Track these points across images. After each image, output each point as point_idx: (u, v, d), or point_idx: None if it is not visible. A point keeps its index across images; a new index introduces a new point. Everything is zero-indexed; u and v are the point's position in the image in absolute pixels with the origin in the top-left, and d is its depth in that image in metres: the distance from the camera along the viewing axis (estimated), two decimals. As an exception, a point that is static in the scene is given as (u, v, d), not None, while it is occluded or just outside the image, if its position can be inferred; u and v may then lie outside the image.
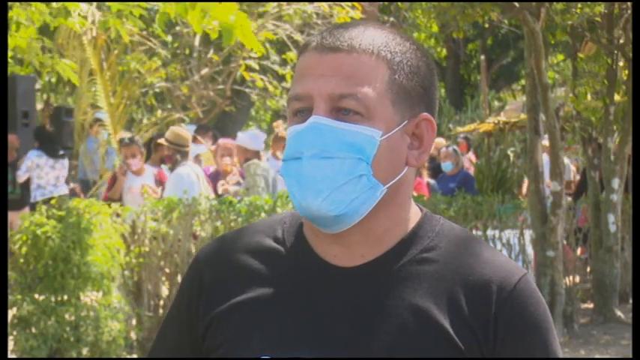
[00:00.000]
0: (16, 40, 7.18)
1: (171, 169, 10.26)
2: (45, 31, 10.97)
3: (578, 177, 15.31)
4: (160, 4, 6.95)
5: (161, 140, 10.42)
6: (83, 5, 7.07)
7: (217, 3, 6.72)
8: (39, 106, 17.33)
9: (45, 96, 22.34)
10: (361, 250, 1.79)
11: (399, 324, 1.74)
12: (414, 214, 1.84)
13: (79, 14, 7.07)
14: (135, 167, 10.38)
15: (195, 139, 13.43)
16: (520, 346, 1.77)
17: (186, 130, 11.34)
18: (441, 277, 1.77)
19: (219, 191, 10.96)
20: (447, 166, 13.51)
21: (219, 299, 1.82)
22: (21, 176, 12.81)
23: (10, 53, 7.70)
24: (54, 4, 6.92)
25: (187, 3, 6.68)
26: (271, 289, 1.80)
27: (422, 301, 1.75)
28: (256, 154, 10.50)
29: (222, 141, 12.58)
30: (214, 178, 11.45)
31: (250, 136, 10.86)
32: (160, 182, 10.49)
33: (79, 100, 14.22)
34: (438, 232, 1.82)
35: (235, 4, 7.01)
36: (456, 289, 1.76)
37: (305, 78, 1.77)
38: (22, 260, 8.03)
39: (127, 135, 11.36)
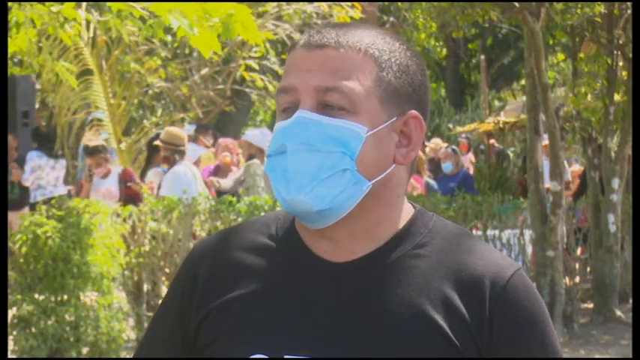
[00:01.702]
0: (16, 42, 7.15)
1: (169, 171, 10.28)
2: (43, 31, 10.96)
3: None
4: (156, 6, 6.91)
5: (157, 142, 10.44)
6: (81, 12, 7.02)
7: (216, 3, 6.68)
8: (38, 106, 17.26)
9: (44, 96, 22.27)
10: (349, 245, 1.79)
11: (393, 318, 1.74)
12: (407, 211, 1.84)
13: (75, 20, 7.02)
14: (100, 175, 10.54)
15: (197, 139, 13.44)
16: (516, 341, 1.76)
17: (181, 130, 11.36)
18: (433, 273, 1.77)
19: (214, 183, 11.00)
20: (447, 167, 13.52)
21: (215, 294, 1.83)
22: (28, 179, 12.77)
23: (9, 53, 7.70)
24: (53, 8, 6.88)
25: (186, 3, 6.66)
26: (265, 285, 1.81)
27: (415, 297, 1.75)
28: (260, 152, 10.51)
29: (222, 140, 12.64)
30: (214, 173, 11.48)
31: (259, 133, 10.95)
32: (123, 182, 10.56)
33: (67, 100, 14.11)
34: (431, 229, 1.82)
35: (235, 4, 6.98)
36: (449, 284, 1.76)
37: (292, 73, 1.78)
38: (22, 260, 8.03)
39: (93, 140, 11.41)
